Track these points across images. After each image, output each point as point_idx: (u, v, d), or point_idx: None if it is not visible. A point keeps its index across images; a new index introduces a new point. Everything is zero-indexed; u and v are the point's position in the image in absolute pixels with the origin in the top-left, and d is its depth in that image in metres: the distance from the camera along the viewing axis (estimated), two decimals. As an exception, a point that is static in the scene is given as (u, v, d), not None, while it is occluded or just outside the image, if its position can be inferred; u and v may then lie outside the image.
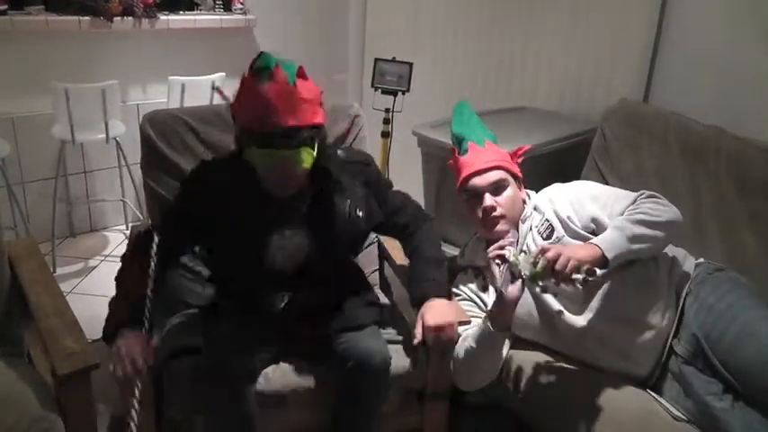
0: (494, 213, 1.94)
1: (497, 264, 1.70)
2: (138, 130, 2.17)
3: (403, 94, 2.97)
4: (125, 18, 3.48)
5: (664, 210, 1.82)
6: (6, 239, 1.98)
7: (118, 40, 3.60)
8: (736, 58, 2.43)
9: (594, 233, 1.84)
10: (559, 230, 1.90)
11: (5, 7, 3.21)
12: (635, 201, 1.88)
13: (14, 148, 3.33)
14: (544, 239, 1.90)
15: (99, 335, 1.67)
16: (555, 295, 1.88)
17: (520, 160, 2.07)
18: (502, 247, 1.70)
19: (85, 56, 3.52)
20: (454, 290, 2.06)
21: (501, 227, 1.93)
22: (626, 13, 2.74)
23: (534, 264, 1.64)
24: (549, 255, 1.62)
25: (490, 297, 1.95)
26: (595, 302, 1.85)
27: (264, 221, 1.80)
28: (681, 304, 1.85)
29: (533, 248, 1.85)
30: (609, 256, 1.69)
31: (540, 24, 3.15)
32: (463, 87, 3.60)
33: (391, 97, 2.99)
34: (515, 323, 1.88)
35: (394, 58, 2.96)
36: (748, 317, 1.71)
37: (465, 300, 2.04)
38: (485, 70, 3.48)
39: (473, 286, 2.06)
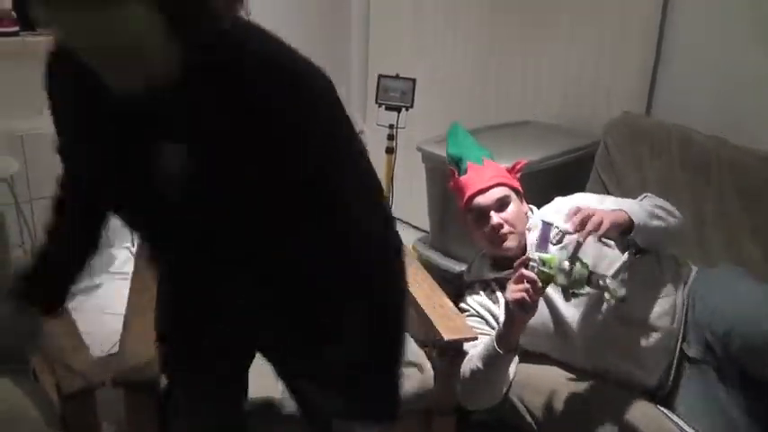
0: (502, 230, 1.96)
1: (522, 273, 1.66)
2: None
3: (407, 109, 2.98)
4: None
5: (669, 205, 1.92)
6: (14, 256, 1.99)
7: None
8: (737, 68, 2.44)
9: None
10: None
11: (17, 28, 3.25)
12: (641, 199, 1.96)
13: (23, 165, 3.36)
14: (555, 244, 1.91)
15: (104, 352, 1.68)
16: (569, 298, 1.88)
17: (518, 175, 2.09)
18: (525, 265, 1.67)
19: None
20: (462, 305, 2.06)
21: (510, 243, 1.96)
22: (626, 26, 2.76)
23: (569, 271, 1.61)
24: (581, 215, 1.66)
25: (501, 308, 1.94)
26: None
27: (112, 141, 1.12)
28: (686, 306, 1.85)
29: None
30: (635, 219, 1.75)
31: (542, 38, 3.16)
32: (467, 102, 3.61)
33: (395, 113, 3.00)
34: (526, 334, 1.88)
35: (397, 74, 2.97)
36: (739, 290, 1.77)
37: (473, 315, 2.04)
38: (488, 85, 3.50)
39: (482, 300, 2.05)
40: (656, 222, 1.81)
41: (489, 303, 2.03)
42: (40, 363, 1.89)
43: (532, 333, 1.91)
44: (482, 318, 2.02)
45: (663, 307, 1.84)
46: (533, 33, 3.21)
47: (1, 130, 3.02)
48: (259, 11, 3.96)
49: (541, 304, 1.87)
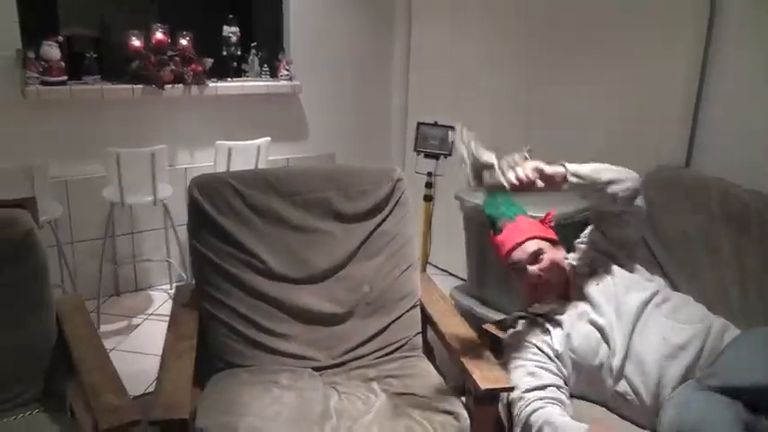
0: (539, 281, 2.03)
1: None
2: (185, 193, 2.23)
3: (445, 157, 3.00)
4: (175, 85, 3.61)
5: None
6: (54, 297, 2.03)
7: (168, 106, 3.73)
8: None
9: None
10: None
11: (65, 78, 3.37)
12: None
13: (66, 209, 3.44)
14: None
15: (141, 391, 1.68)
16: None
17: (551, 224, 2.17)
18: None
19: (137, 122, 3.65)
20: (509, 342, 2.06)
21: (549, 299, 2.05)
22: (666, 78, 2.76)
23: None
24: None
25: (554, 337, 1.97)
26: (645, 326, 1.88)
27: None
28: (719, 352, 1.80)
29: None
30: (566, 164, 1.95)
31: (581, 90, 3.18)
32: (504, 151, 3.62)
33: (434, 161, 3.02)
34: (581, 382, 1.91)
35: (436, 121, 3.00)
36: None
37: (522, 348, 2.00)
38: (526, 134, 3.51)
39: (532, 334, 2.04)
40: (584, 169, 1.98)
41: (542, 335, 2.02)
42: (76, 400, 1.91)
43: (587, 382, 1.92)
44: (537, 347, 1.99)
45: (686, 333, 1.83)
46: (572, 85, 3.23)
47: (47, 176, 3.10)
48: (304, 62, 4.07)
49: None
